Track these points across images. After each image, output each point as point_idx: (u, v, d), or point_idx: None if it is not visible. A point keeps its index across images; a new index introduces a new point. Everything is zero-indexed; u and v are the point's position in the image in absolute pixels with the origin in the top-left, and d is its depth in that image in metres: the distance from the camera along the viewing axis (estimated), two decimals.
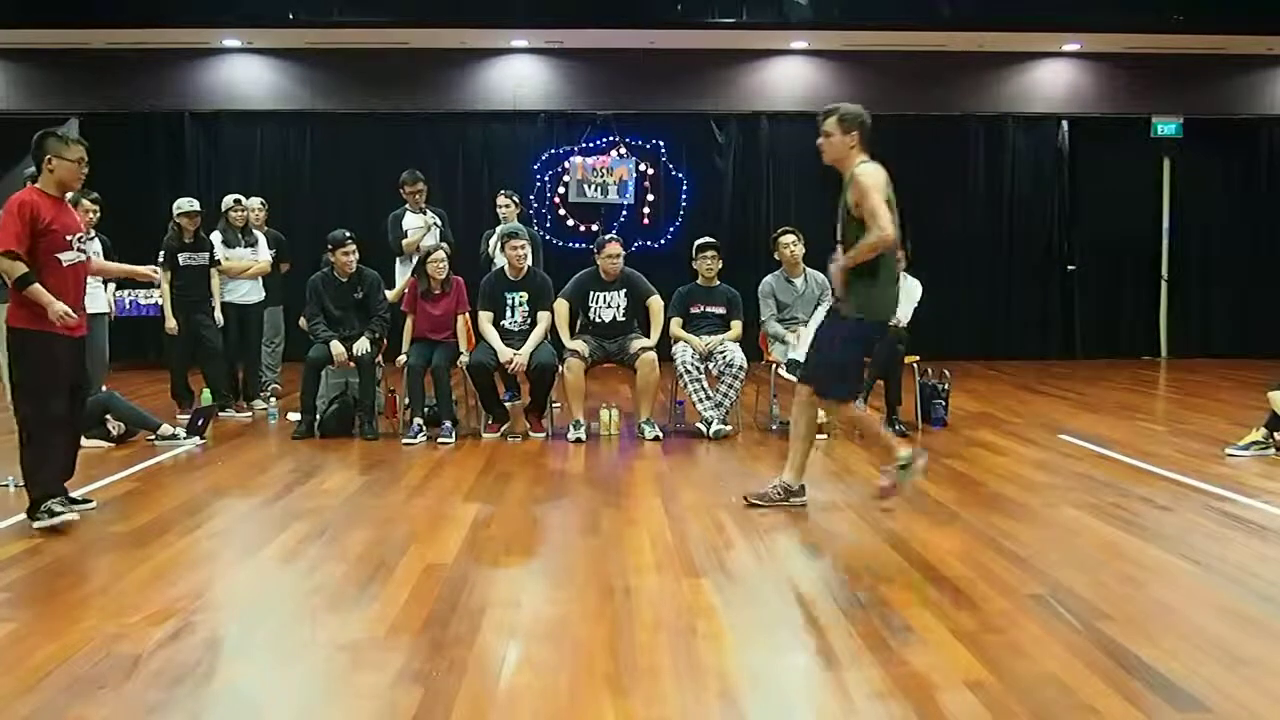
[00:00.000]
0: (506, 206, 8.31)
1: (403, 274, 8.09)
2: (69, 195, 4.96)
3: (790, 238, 7.30)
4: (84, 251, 4.80)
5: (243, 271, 8.13)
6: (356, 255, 7.20)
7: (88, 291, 7.06)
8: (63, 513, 4.62)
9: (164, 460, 6.34)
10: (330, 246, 7.17)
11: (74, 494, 4.91)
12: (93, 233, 6.91)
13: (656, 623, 3.47)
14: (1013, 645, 3.25)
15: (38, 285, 4.51)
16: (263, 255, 8.28)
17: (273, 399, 7.96)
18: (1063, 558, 4.25)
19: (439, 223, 8.17)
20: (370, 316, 7.22)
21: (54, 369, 4.59)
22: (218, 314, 7.88)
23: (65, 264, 4.65)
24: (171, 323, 7.71)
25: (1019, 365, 11.63)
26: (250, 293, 8.22)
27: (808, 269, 7.30)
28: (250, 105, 11.87)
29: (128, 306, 10.35)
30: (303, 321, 7.39)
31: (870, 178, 4.64)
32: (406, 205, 8.21)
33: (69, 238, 4.67)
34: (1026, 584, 3.87)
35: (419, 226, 8.07)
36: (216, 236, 8.07)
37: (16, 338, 4.59)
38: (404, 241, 8.03)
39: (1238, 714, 2.77)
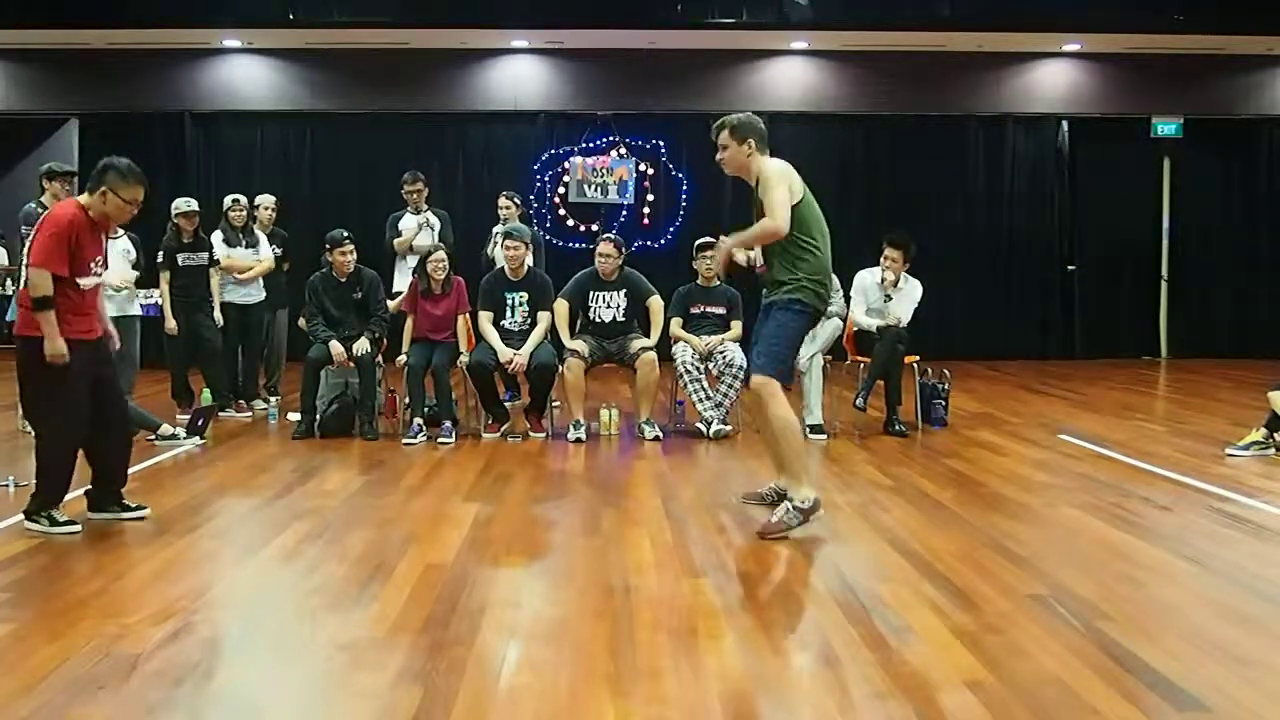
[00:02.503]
0: (508, 207, 8.34)
1: (401, 276, 8.13)
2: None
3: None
4: (99, 274, 4.77)
5: (245, 271, 8.10)
6: (355, 255, 7.22)
7: (122, 294, 7.06)
8: (63, 523, 4.59)
9: (164, 460, 6.34)
10: (328, 246, 7.18)
11: (127, 501, 4.87)
12: (120, 231, 6.80)
13: (656, 623, 3.47)
14: (1013, 645, 3.25)
15: (52, 314, 4.47)
16: (264, 255, 8.27)
17: (273, 398, 7.96)
18: (1063, 558, 4.25)
19: (431, 224, 8.20)
20: (369, 316, 7.22)
21: (65, 376, 4.53)
22: (217, 314, 7.87)
23: (81, 286, 4.62)
24: (171, 323, 7.69)
25: (1019, 365, 11.63)
26: (250, 293, 8.21)
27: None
28: (250, 105, 11.88)
29: None
30: (302, 321, 7.39)
31: (775, 170, 4.78)
32: (408, 207, 8.26)
33: (90, 264, 4.65)
34: (1026, 584, 3.87)
35: (411, 227, 8.13)
36: (217, 236, 8.05)
37: (28, 346, 4.56)
38: (396, 242, 8.08)
39: (1238, 714, 2.77)
